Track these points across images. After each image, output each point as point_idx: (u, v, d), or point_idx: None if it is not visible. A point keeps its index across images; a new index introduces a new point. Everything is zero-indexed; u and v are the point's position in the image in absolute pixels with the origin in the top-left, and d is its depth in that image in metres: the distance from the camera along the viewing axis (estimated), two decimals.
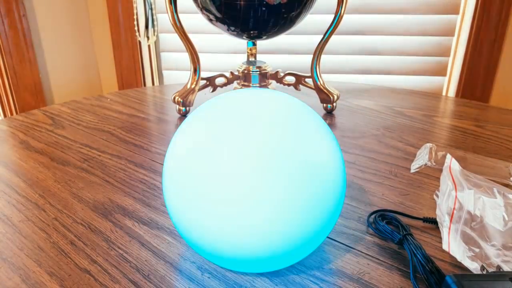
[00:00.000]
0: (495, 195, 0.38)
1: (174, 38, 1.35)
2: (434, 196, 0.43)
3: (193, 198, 0.29)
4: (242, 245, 0.29)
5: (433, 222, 0.40)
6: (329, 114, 0.70)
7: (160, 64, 1.41)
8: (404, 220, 0.41)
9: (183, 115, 0.69)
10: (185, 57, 1.36)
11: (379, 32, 1.22)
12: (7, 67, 1.25)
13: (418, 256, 0.33)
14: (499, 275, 0.30)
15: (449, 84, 1.25)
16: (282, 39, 1.26)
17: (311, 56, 0.68)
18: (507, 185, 0.46)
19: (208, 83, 0.72)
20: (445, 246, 0.35)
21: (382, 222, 0.39)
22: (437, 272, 0.32)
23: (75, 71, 1.44)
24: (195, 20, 1.27)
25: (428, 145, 0.53)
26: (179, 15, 0.63)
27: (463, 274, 0.31)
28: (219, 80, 0.73)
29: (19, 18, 1.23)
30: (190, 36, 0.65)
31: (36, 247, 0.37)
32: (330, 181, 0.30)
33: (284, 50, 1.28)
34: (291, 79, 0.73)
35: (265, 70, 0.70)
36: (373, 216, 0.41)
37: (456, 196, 0.38)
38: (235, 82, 0.73)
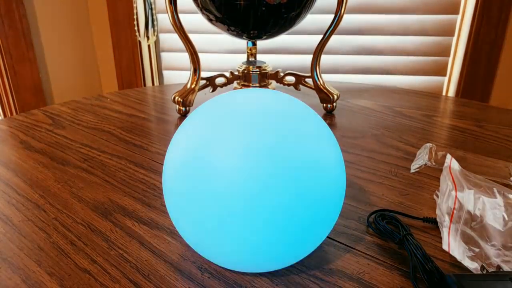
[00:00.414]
0: (495, 195, 0.38)
1: (174, 38, 1.35)
2: (434, 196, 0.43)
3: (193, 198, 0.29)
4: (242, 245, 0.29)
5: (433, 222, 0.40)
6: (329, 114, 0.70)
7: (160, 64, 1.41)
8: (404, 220, 0.41)
9: (183, 115, 0.69)
10: (185, 57, 1.36)
11: (379, 32, 1.22)
12: (7, 67, 1.25)
13: (418, 256, 0.33)
14: (499, 275, 0.30)
15: (449, 84, 1.25)
16: (282, 39, 1.26)
17: (311, 56, 0.68)
18: (507, 185, 0.46)
19: (208, 83, 0.72)
20: (445, 246, 0.35)
21: (382, 222, 0.39)
22: (437, 272, 0.32)
23: (75, 71, 1.44)
24: (195, 20, 1.27)
25: (428, 145, 0.53)
26: (179, 15, 0.63)
27: (463, 274, 0.31)
28: (219, 80, 0.73)
29: (19, 18, 1.23)
30: (190, 36, 0.65)
31: (36, 247, 0.37)
32: (330, 181, 0.30)
33: (284, 50, 1.28)
34: (291, 79, 0.73)
35: (265, 70, 0.70)
36: (373, 216, 0.41)
37: (456, 196, 0.38)
38: (235, 82, 0.73)
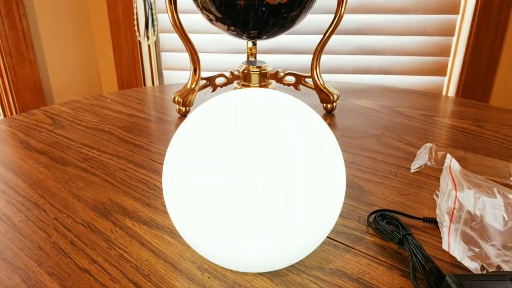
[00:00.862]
0: (495, 195, 0.38)
1: (174, 38, 1.35)
2: (434, 196, 0.43)
3: (193, 198, 0.29)
4: (242, 245, 0.29)
5: (433, 222, 0.40)
6: (329, 114, 0.70)
7: (160, 64, 1.41)
8: (404, 220, 0.41)
9: (183, 115, 0.69)
10: (185, 57, 1.36)
11: (379, 32, 1.22)
12: (7, 67, 1.25)
13: (418, 256, 0.33)
14: (499, 275, 0.30)
15: (449, 84, 1.25)
16: (282, 39, 1.26)
17: (311, 56, 0.68)
18: (507, 185, 0.46)
19: (208, 83, 0.72)
20: (445, 246, 0.35)
21: (382, 222, 0.39)
22: (437, 272, 0.32)
23: (75, 71, 1.44)
24: (195, 20, 1.27)
25: (428, 145, 0.53)
26: (179, 15, 0.63)
27: (463, 274, 0.31)
28: (219, 80, 0.73)
29: (19, 18, 1.23)
30: (190, 36, 0.65)
31: (36, 247, 0.37)
32: (330, 181, 0.30)
33: (284, 50, 1.28)
34: (291, 79, 0.73)
35: (265, 70, 0.70)
36: (373, 216, 0.41)
37: (456, 196, 0.38)
38: (235, 82, 0.73)
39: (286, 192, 0.28)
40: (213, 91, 0.73)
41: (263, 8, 0.57)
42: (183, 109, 0.68)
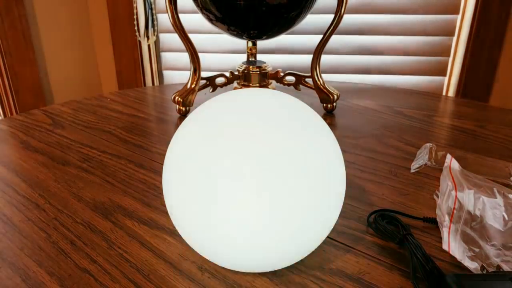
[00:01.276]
0: (495, 195, 0.38)
1: (174, 38, 1.35)
2: (434, 196, 0.43)
3: (193, 198, 0.29)
4: (242, 245, 0.29)
5: (433, 222, 0.40)
6: (329, 114, 0.70)
7: (160, 64, 1.41)
8: (404, 220, 0.41)
9: (183, 115, 0.69)
10: (185, 57, 1.36)
11: (379, 32, 1.22)
12: (7, 67, 1.25)
13: (418, 256, 0.33)
14: (499, 275, 0.30)
15: (449, 84, 1.25)
16: (282, 39, 1.26)
17: (311, 56, 0.68)
18: (507, 185, 0.46)
19: (208, 83, 0.72)
20: (445, 246, 0.35)
21: (382, 222, 0.39)
22: (437, 272, 0.32)
23: (75, 71, 1.44)
24: (195, 20, 1.27)
25: (428, 145, 0.53)
26: (179, 15, 0.63)
27: (463, 274, 0.31)
28: (219, 80, 0.73)
29: (19, 18, 1.23)
30: (190, 36, 0.65)
31: (36, 247, 0.37)
32: (330, 181, 0.30)
33: (284, 50, 1.28)
34: (291, 79, 0.73)
35: (265, 70, 0.70)
36: (373, 216, 0.41)
37: (456, 196, 0.38)
38: (235, 82, 0.73)
39: (286, 192, 0.28)
40: (213, 91, 0.73)
41: (263, 8, 0.57)
42: (183, 109, 0.68)
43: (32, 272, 0.35)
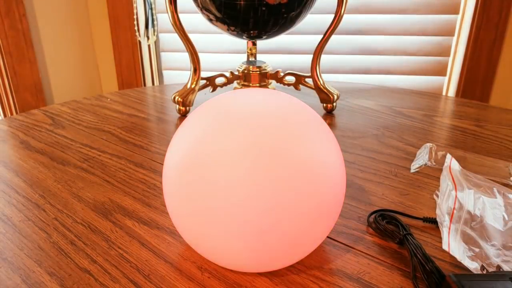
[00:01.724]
0: (495, 195, 0.38)
1: (174, 38, 1.35)
2: (434, 196, 0.43)
3: (193, 197, 0.29)
4: (242, 245, 0.29)
5: (433, 222, 0.40)
6: (329, 114, 0.70)
7: (160, 64, 1.41)
8: (404, 220, 0.41)
9: (183, 115, 0.69)
10: (185, 57, 1.36)
11: (379, 32, 1.22)
12: (7, 67, 1.25)
13: (418, 255, 0.33)
14: (499, 275, 0.30)
15: (449, 84, 1.25)
16: (282, 39, 1.26)
17: (311, 56, 0.68)
18: (507, 185, 0.46)
19: (208, 83, 0.72)
20: (445, 246, 0.35)
21: (382, 222, 0.39)
22: (437, 272, 0.32)
23: (75, 71, 1.44)
24: (195, 20, 1.27)
25: (428, 145, 0.53)
26: (179, 15, 0.63)
27: (463, 274, 0.31)
28: (219, 80, 0.73)
29: (19, 18, 1.23)
30: (190, 36, 0.65)
31: (36, 247, 0.37)
32: (330, 181, 0.30)
33: (284, 50, 1.28)
34: (291, 79, 0.73)
35: (265, 70, 0.70)
36: (373, 216, 0.41)
37: (456, 196, 0.38)
38: (235, 82, 0.73)
39: (286, 192, 0.28)
40: (213, 91, 0.73)
41: (263, 8, 0.57)
42: (183, 109, 0.68)
43: (32, 272, 0.35)
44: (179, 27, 0.63)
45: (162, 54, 1.39)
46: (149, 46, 1.37)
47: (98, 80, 1.52)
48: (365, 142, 0.59)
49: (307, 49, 1.26)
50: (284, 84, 0.74)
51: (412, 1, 1.17)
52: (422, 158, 0.52)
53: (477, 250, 0.34)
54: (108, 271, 0.34)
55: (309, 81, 0.71)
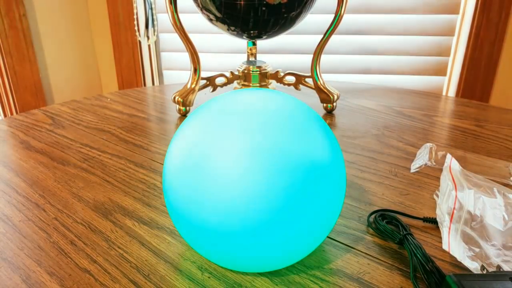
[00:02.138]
0: (495, 195, 0.38)
1: (174, 38, 1.35)
2: (434, 196, 0.43)
3: (193, 197, 0.29)
4: (242, 245, 0.29)
5: (433, 222, 0.40)
6: (329, 114, 0.70)
7: (160, 64, 1.41)
8: (404, 220, 0.41)
9: (183, 115, 0.69)
10: (185, 57, 1.36)
11: (379, 32, 1.22)
12: (7, 67, 1.25)
13: (418, 255, 0.33)
14: (499, 275, 0.30)
15: (449, 84, 1.25)
16: (282, 39, 1.26)
17: (311, 56, 0.68)
18: (507, 185, 0.46)
19: (208, 82, 0.72)
20: (445, 246, 0.35)
21: (382, 222, 0.39)
22: (437, 271, 0.32)
23: (75, 71, 1.44)
24: (195, 20, 1.27)
25: (428, 145, 0.53)
26: (179, 15, 0.63)
27: (463, 274, 0.31)
28: (219, 80, 0.73)
29: (19, 18, 1.23)
30: (190, 36, 0.65)
31: (36, 247, 0.37)
32: (330, 181, 0.30)
33: (284, 50, 1.28)
34: (291, 79, 0.73)
35: (265, 70, 0.70)
36: (373, 216, 0.41)
37: (456, 196, 0.38)
38: (235, 82, 0.73)
39: (286, 192, 0.28)
40: (213, 91, 0.73)
41: (263, 8, 0.57)
42: (183, 109, 0.68)
43: (32, 272, 0.35)
44: (179, 27, 0.63)
45: (162, 54, 1.39)
46: (149, 46, 1.37)
47: (98, 80, 1.52)
48: (365, 142, 0.59)
49: (307, 49, 1.26)
50: (284, 84, 0.74)
51: (412, 1, 1.17)
52: (422, 158, 0.52)
53: (477, 250, 0.34)
54: (108, 271, 0.34)
55: (309, 81, 0.71)
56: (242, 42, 1.27)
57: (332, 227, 0.33)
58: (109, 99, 0.77)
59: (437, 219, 0.39)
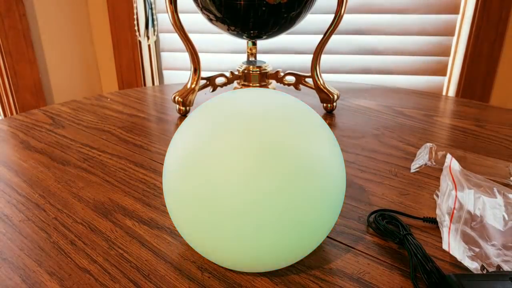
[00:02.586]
0: (495, 195, 0.38)
1: (174, 38, 1.35)
2: (434, 196, 0.43)
3: (193, 197, 0.29)
4: (242, 245, 0.29)
5: (433, 222, 0.40)
6: (329, 114, 0.70)
7: (160, 64, 1.41)
8: (404, 220, 0.41)
9: (183, 115, 0.69)
10: (185, 57, 1.36)
11: (379, 32, 1.22)
12: (7, 67, 1.25)
13: (418, 255, 0.33)
14: (499, 275, 0.30)
15: (449, 84, 1.25)
16: (282, 39, 1.26)
17: (311, 56, 0.68)
18: (507, 185, 0.46)
19: (208, 82, 0.72)
20: (445, 246, 0.35)
21: (382, 222, 0.39)
22: (437, 271, 0.32)
23: (75, 71, 1.44)
24: (195, 20, 1.27)
25: (428, 145, 0.53)
26: (179, 15, 0.63)
27: (463, 274, 0.31)
28: (219, 80, 0.73)
29: (19, 18, 1.23)
30: (190, 36, 0.65)
31: (36, 247, 0.37)
32: (330, 181, 0.30)
33: (284, 50, 1.28)
34: (291, 79, 0.73)
35: (265, 70, 0.70)
36: (373, 215, 0.41)
37: (456, 196, 0.38)
38: (235, 82, 0.73)
39: (286, 192, 0.28)
40: (213, 91, 0.73)
41: (263, 8, 0.57)
42: (183, 109, 0.68)
43: (32, 272, 0.35)
44: (179, 27, 0.63)
45: (162, 54, 1.39)
46: (149, 46, 1.37)
47: (98, 80, 1.52)
48: (365, 142, 0.59)
49: (307, 49, 1.26)
50: (284, 84, 0.74)
51: (412, 1, 1.17)
52: (422, 158, 0.52)
53: (477, 250, 0.34)
54: (108, 271, 0.34)
55: (309, 81, 0.71)
56: (242, 42, 1.27)
57: (332, 227, 0.33)
58: (109, 99, 0.77)
59: (437, 219, 0.39)
